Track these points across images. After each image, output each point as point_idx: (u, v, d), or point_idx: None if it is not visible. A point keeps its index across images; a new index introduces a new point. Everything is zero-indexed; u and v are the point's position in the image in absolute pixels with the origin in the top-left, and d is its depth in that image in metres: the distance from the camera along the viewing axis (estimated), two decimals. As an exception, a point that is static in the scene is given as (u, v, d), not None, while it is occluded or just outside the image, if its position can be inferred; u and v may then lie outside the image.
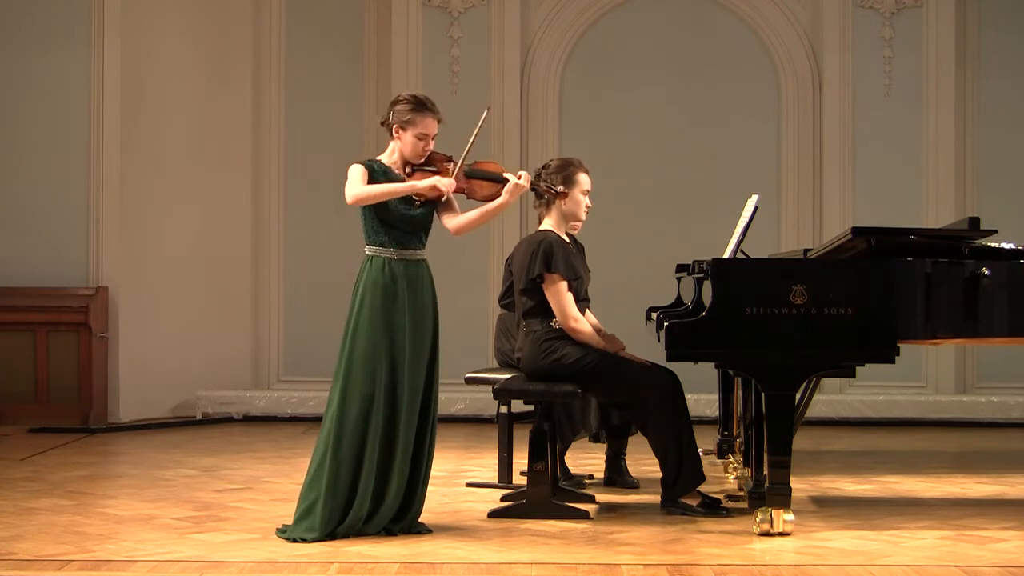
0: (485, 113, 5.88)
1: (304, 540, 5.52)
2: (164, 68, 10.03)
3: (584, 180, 6.49)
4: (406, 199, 5.73)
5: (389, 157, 5.84)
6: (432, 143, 5.82)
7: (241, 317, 10.40)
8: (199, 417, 10.01)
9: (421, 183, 5.69)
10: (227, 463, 7.89)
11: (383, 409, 5.67)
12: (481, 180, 5.86)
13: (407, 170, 5.81)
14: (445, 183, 5.70)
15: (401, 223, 5.75)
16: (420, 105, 5.78)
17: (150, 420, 9.79)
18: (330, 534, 5.56)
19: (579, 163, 6.53)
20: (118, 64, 9.71)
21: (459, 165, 5.82)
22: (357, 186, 5.68)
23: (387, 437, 5.69)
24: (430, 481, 5.89)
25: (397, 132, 5.81)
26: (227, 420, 10.03)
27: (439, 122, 5.83)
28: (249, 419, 10.05)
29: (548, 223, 6.45)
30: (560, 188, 6.30)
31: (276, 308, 10.44)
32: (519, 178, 5.83)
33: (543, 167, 6.56)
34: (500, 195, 5.82)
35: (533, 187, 6.09)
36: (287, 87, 10.45)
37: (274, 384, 10.40)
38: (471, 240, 10.21)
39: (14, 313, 9.50)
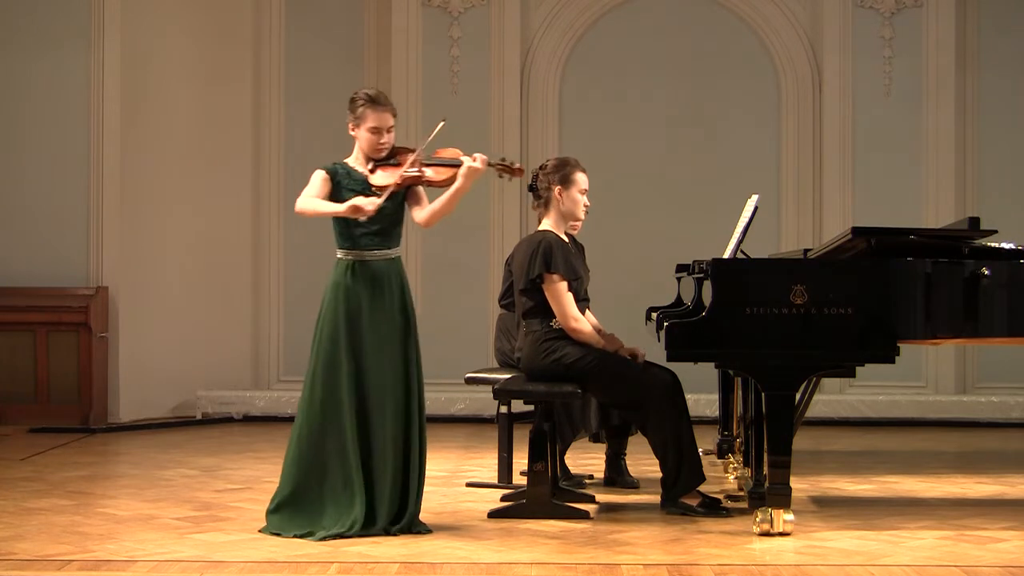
0: (440, 125, 5.84)
1: (279, 535, 5.60)
2: (164, 68, 10.03)
3: (582, 179, 6.48)
4: (362, 195, 5.70)
5: (355, 158, 5.87)
6: (388, 136, 5.81)
7: (241, 317, 10.40)
8: (199, 417, 10.01)
9: (342, 207, 5.64)
10: (227, 463, 7.89)
11: (351, 412, 5.67)
12: (438, 167, 5.81)
13: (369, 166, 5.82)
14: (365, 202, 5.62)
15: (365, 223, 5.75)
16: (371, 100, 5.80)
17: (150, 420, 9.79)
18: (304, 535, 5.58)
19: (576, 162, 6.52)
20: (118, 64, 9.71)
21: (416, 156, 5.80)
22: (303, 199, 5.74)
23: (361, 439, 5.68)
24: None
25: (353, 129, 5.85)
26: (227, 420, 10.03)
27: (394, 115, 5.84)
28: (249, 419, 10.05)
29: (547, 223, 6.45)
30: (518, 164, 6.11)
31: (276, 308, 10.44)
32: (474, 160, 5.76)
33: (540, 167, 6.56)
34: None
35: (502, 170, 5.94)
36: (287, 87, 10.45)
37: (274, 384, 10.40)
38: (471, 240, 10.24)
39: (14, 313, 9.50)
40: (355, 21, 10.51)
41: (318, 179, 5.79)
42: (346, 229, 5.80)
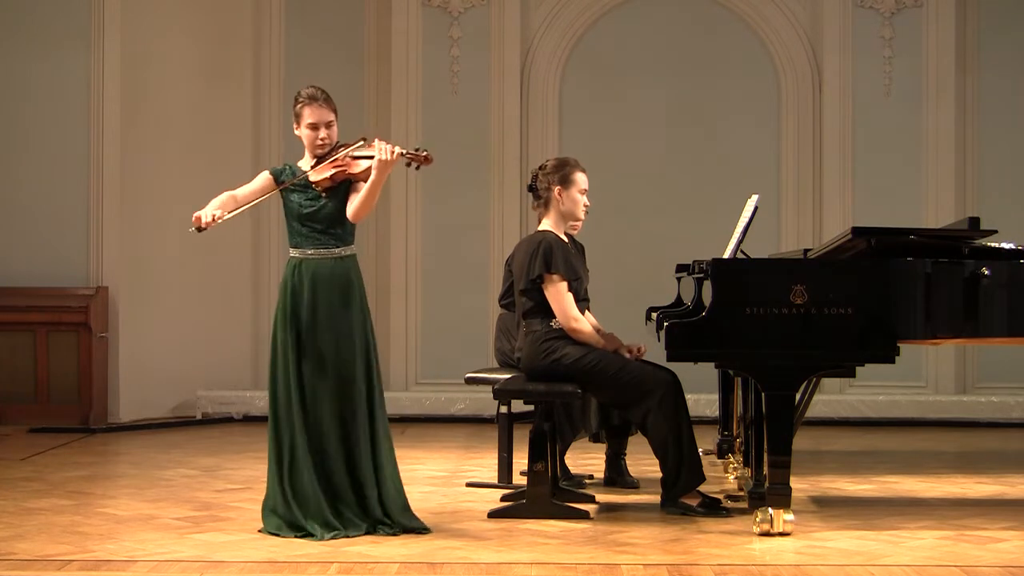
0: (360, 143, 5.80)
1: (278, 535, 5.60)
2: (164, 68, 10.03)
3: (581, 179, 6.48)
4: (304, 193, 5.73)
5: (305, 158, 5.88)
6: (328, 132, 5.79)
7: (241, 317, 10.40)
8: (199, 417, 10.01)
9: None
10: (227, 463, 7.89)
11: (300, 417, 5.67)
12: (358, 160, 5.75)
13: (312, 163, 5.82)
14: (204, 212, 5.69)
15: (307, 221, 5.78)
16: (307, 98, 5.81)
17: (150, 420, 9.79)
18: (304, 535, 5.57)
19: (575, 162, 6.52)
20: (118, 64, 9.71)
21: (347, 152, 5.77)
22: (228, 192, 5.83)
23: (316, 442, 5.68)
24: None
25: (297, 128, 5.86)
26: (227, 420, 10.03)
27: (334, 112, 5.81)
28: (249, 419, 10.04)
29: (547, 223, 6.45)
30: (424, 153, 5.82)
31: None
32: (383, 153, 5.64)
33: (539, 168, 6.56)
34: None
35: (410, 159, 5.80)
36: (287, 87, 10.43)
37: (274, 384, 10.38)
38: (471, 240, 10.24)
39: (14, 313, 9.50)
40: (355, 21, 10.51)
41: (258, 179, 5.89)
42: (292, 227, 5.84)
